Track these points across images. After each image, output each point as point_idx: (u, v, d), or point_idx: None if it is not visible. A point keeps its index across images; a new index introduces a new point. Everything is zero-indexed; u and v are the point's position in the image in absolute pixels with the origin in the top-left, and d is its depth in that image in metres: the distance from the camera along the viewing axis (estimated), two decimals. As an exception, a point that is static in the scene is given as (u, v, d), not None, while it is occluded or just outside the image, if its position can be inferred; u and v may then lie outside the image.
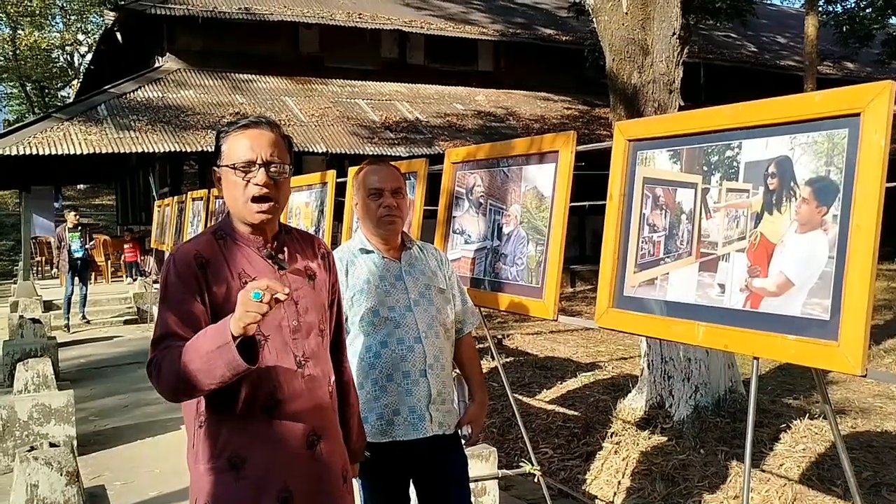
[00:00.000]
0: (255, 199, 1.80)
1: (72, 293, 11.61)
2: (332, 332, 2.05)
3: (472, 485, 3.41)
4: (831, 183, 2.04)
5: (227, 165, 1.84)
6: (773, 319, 2.13)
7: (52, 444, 3.24)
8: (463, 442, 2.65)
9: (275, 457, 1.79)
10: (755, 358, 2.21)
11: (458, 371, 2.74)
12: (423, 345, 2.47)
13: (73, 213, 12.28)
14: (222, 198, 1.89)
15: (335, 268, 2.10)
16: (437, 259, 2.68)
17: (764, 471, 4.28)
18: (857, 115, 1.97)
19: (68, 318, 11.50)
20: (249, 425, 1.78)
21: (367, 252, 2.55)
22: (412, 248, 2.62)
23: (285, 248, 1.90)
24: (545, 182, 3.14)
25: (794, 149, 2.14)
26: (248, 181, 1.80)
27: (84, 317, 12.03)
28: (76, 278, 11.68)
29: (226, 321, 1.60)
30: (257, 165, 1.80)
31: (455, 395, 2.66)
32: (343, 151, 14.72)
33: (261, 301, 1.53)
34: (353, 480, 2.18)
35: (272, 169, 1.82)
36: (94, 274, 13.54)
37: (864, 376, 1.92)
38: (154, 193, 15.45)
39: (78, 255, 11.57)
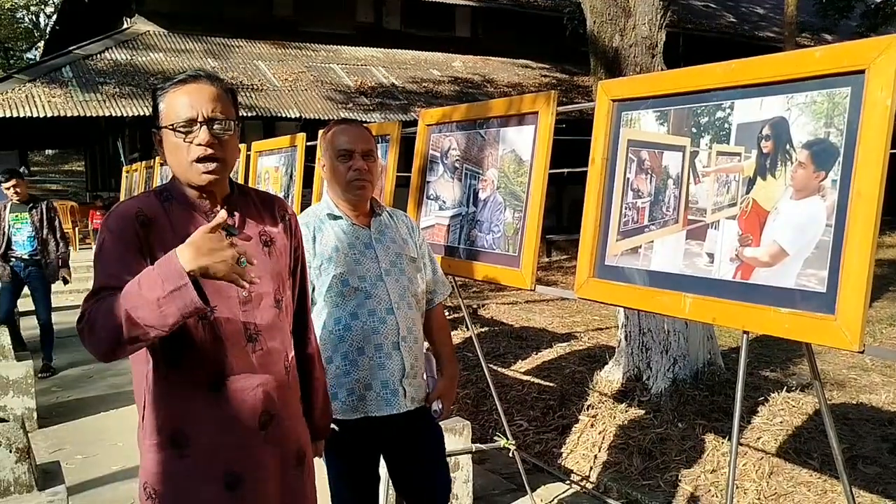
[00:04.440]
0: (200, 160, 1.66)
1: (7, 313, 6.67)
2: (296, 300, 1.92)
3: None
4: (831, 146, 1.90)
5: (166, 126, 1.69)
6: (764, 291, 2.01)
7: (1, 420, 3.07)
8: (434, 417, 2.54)
9: (222, 437, 1.66)
10: (745, 332, 2.09)
11: (427, 343, 2.61)
12: (395, 316, 2.36)
13: (11, 181, 6.57)
14: (166, 163, 1.74)
15: (299, 232, 1.94)
16: (407, 226, 2.54)
17: (741, 444, 4.22)
18: (861, 72, 1.83)
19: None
20: (195, 402, 1.65)
21: (335, 217, 2.40)
22: (382, 214, 2.48)
23: (236, 213, 1.75)
24: (524, 145, 2.98)
25: (791, 109, 2.01)
26: (191, 141, 1.66)
27: (48, 367, 6.84)
28: (23, 289, 6.87)
29: (168, 258, 1.45)
30: (199, 123, 1.66)
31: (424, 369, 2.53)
32: (317, 117, 14.41)
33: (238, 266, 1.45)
34: (317, 459, 2.04)
35: (215, 126, 1.67)
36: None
37: (862, 352, 1.81)
38: (123, 159, 15.06)
39: (25, 251, 6.63)
